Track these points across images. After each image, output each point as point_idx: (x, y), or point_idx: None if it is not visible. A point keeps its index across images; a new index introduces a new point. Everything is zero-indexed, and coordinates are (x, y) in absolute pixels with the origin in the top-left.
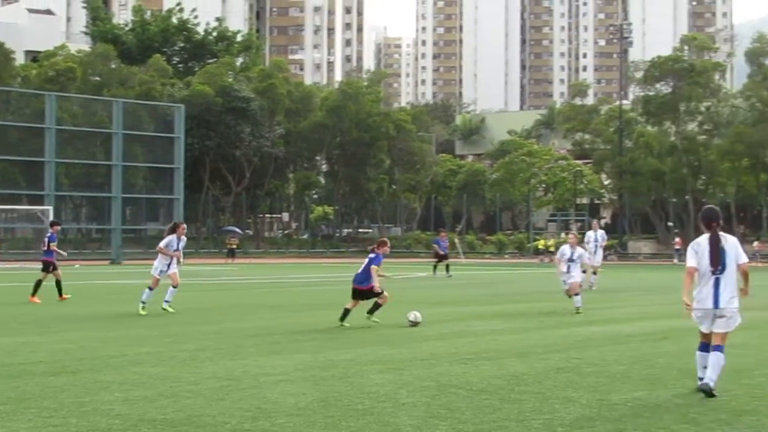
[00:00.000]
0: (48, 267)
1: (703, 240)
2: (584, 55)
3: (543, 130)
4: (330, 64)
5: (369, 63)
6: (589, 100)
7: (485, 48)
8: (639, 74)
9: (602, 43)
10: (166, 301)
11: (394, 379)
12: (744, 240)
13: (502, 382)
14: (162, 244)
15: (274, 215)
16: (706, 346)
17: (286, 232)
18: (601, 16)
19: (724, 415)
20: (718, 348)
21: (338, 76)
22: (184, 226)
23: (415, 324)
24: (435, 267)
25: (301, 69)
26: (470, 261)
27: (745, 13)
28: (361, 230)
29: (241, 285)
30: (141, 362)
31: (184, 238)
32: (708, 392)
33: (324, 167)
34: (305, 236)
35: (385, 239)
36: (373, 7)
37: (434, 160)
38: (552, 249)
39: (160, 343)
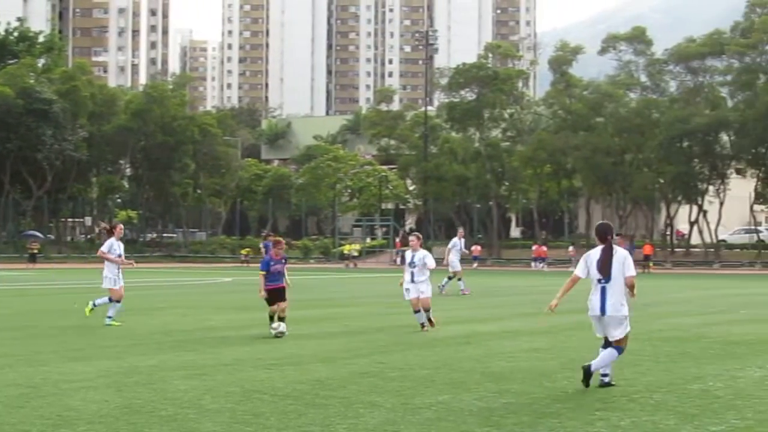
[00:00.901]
0: None
1: (595, 252)
2: (390, 61)
3: (349, 136)
4: (134, 67)
5: (174, 66)
6: (395, 106)
7: (292, 53)
8: (444, 81)
9: (408, 49)
10: (109, 317)
11: (198, 384)
12: (546, 245)
13: (307, 387)
14: (104, 248)
15: (77, 219)
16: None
17: (88, 236)
18: (407, 22)
19: (526, 417)
20: (618, 348)
21: (143, 78)
22: (121, 226)
23: (280, 334)
24: None
25: (105, 71)
26: None
27: (549, 22)
28: (165, 235)
29: (42, 290)
30: None
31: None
32: (587, 372)
33: (128, 171)
34: None
35: (278, 239)
36: (178, 10)
37: (240, 164)
38: (357, 254)
39: None
